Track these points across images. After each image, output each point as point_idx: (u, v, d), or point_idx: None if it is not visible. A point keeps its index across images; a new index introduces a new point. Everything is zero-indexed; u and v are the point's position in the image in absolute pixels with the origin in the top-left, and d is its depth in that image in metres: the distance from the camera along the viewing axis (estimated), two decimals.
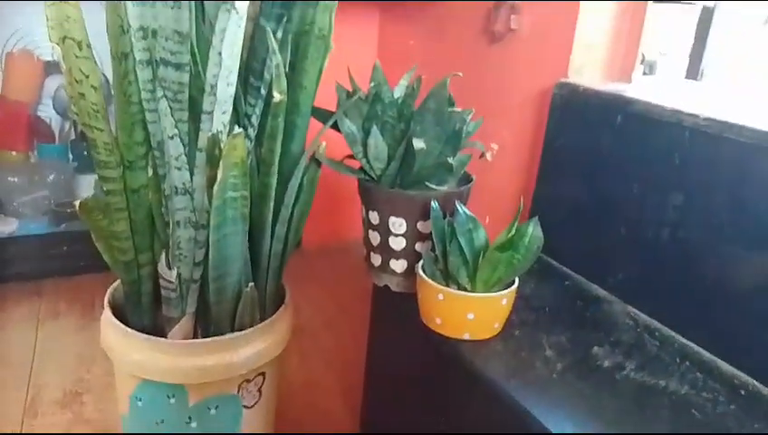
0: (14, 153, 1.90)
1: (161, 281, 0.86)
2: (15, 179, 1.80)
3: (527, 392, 0.76)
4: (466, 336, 0.86)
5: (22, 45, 1.85)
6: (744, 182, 0.84)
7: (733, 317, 0.87)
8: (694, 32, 1.56)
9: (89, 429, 1.15)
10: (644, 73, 1.43)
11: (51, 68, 1.92)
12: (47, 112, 1.96)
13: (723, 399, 0.78)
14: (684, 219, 0.92)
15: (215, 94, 0.76)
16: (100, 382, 1.27)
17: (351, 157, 0.98)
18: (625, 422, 0.72)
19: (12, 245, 1.66)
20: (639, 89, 1.09)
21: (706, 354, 0.88)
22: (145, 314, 0.93)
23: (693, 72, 1.59)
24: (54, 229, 1.75)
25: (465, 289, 0.86)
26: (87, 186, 1.90)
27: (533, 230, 0.83)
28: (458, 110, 0.92)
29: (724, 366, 0.85)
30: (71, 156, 1.98)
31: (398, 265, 0.97)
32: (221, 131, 0.77)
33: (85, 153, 1.98)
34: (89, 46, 0.73)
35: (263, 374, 0.94)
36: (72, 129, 2.00)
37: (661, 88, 1.15)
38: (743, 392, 0.80)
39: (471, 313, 0.85)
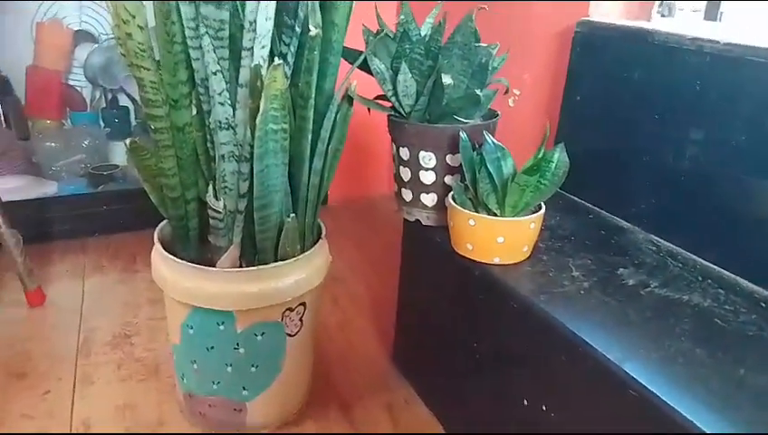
0: (48, 121, 1.96)
1: (210, 212, 0.91)
2: (52, 145, 1.87)
3: (556, 305, 0.81)
4: (497, 260, 0.91)
5: (51, 15, 1.91)
6: (764, 104, 0.86)
7: (753, 239, 0.90)
8: None
9: (138, 365, 1.22)
10: (662, 15, 1.44)
11: (80, 37, 1.97)
12: (78, 81, 2.02)
13: (744, 310, 0.82)
14: (705, 147, 0.95)
15: (254, 30, 0.80)
16: (146, 326, 1.34)
17: (381, 97, 1.02)
18: (650, 329, 0.76)
19: (53, 205, 1.73)
20: (659, 24, 1.11)
21: (727, 274, 0.91)
22: (192, 249, 0.99)
23: (712, 14, 1.59)
24: (92, 191, 1.82)
25: (495, 214, 0.90)
26: (119, 151, 1.97)
27: (560, 155, 0.87)
28: (484, 44, 0.95)
29: (745, 283, 0.89)
30: (102, 123, 2.04)
31: (429, 199, 1.02)
32: (261, 65, 0.81)
33: (115, 120, 2.04)
34: None
35: (303, 304, 0.99)
36: (103, 97, 2.06)
37: (680, 25, 1.16)
38: (763, 305, 0.83)
39: (501, 236, 0.89)
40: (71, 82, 2.01)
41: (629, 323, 0.78)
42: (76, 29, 1.95)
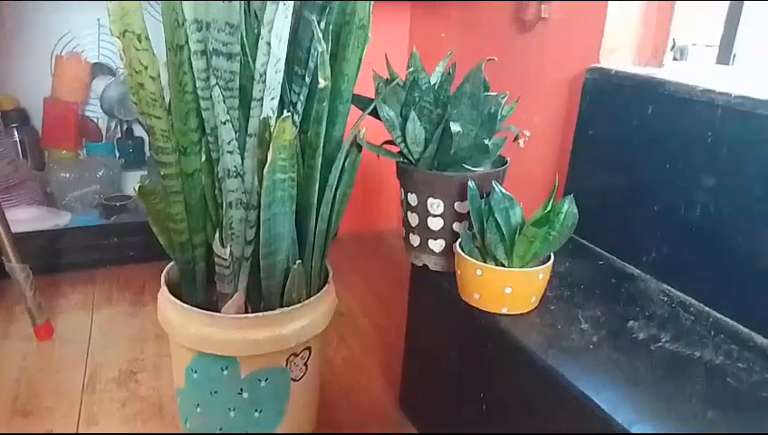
0: (64, 152, 1.99)
1: (216, 259, 0.91)
2: (67, 175, 1.89)
3: (564, 361, 0.79)
4: (504, 310, 0.90)
5: (70, 48, 1.94)
6: None
7: (767, 291, 0.89)
8: (724, 18, 1.57)
9: (143, 404, 1.21)
10: (674, 59, 1.44)
11: (97, 69, 2.00)
12: (95, 112, 2.05)
13: (758, 368, 0.80)
14: (716, 197, 0.94)
15: (264, 81, 0.81)
16: (152, 362, 1.34)
17: (390, 142, 1.02)
18: (660, 389, 0.75)
19: (66, 236, 1.74)
20: (671, 72, 1.11)
21: (741, 328, 0.90)
22: (198, 292, 0.99)
23: (724, 57, 1.59)
24: (105, 222, 1.84)
25: (503, 265, 0.89)
26: (133, 181, 1.99)
27: (569, 207, 0.86)
28: (493, 93, 0.96)
29: (759, 338, 0.87)
30: (117, 153, 2.07)
31: (437, 245, 1.01)
32: (270, 116, 0.82)
33: (130, 151, 2.07)
34: (147, 39, 0.78)
35: (309, 349, 0.99)
36: (118, 128, 2.09)
37: (692, 71, 1.16)
38: None
39: (509, 287, 0.88)
40: (87, 114, 2.05)
41: (639, 381, 0.76)
42: (94, 62, 1.99)
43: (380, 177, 2.01)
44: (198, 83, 0.82)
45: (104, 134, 2.08)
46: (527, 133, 1.37)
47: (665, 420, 0.69)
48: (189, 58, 0.81)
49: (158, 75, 0.82)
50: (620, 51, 1.20)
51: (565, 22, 1.28)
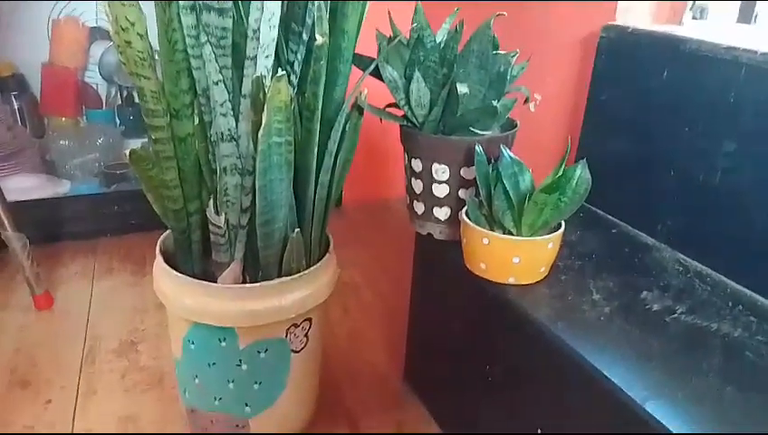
0: (63, 119, 1.95)
1: (210, 227, 0.88)
2: (66, 143, 1.86)
3: (574, 334, 0.76)
4: (512, 281, 0.86)
5: (67, 12, 1.89)
6: None
7: None
8: None
9: (143, 375, 1.19)
10: (694, 18, 1.38)
11: (96, 34, 1.95)
12: (94, 78, 2.00)
13: None
14: (738, 162, 0.89)
15: (257, 39, 0.76)
16: (153, 332, 1.32)
17: (393, 105, 0.97)
18: (675, 364, 0.71)
19: (66, 205, 1.72)
20: (691, 30, 1.05)
21: (760, 299, 0.86)
22: (195, 262, 0.96)
23: (745, 16, 1.52)
24: (105, 190, 1.81)
25: (511, 233, 0.85)
26: None
27: (581, 172, 0.81)
28: (503, 52, 0.90)
29: None
30: (117, 121, 2.03)
31: (442, 213, 0.97)
32: (264, 75, 0.77)
33: (131, 118, 2.03)
34: None
35: (309, 320, 0.96)
36: (118, 94, 2.04)
37: (713, 29, 1.10)
38: None
39: (517, 256, 0.84)
40: (86, 80, 2.00)
41: (653, 356, 0.72)
42: (92, 26, 1.94)
43: (386, 141, 1.96)
44: (188, 41, 0.78)
45: (104, 101, 2.04)
46: (538, 97, 1.32)
47: (679, 396, 0.65)
48: (178, 13, 0.76)
49: (146, 33, 0.77)
50: (638, 8, 1.13)
51: None
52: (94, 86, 2.01)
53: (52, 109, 1.93)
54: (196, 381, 0.97)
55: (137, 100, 2.04)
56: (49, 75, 1.91)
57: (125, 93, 2.03)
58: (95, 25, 1.94)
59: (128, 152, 0.83)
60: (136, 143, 1.97)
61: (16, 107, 1.88)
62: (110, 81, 1.99)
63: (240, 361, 0.92)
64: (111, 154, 1.91)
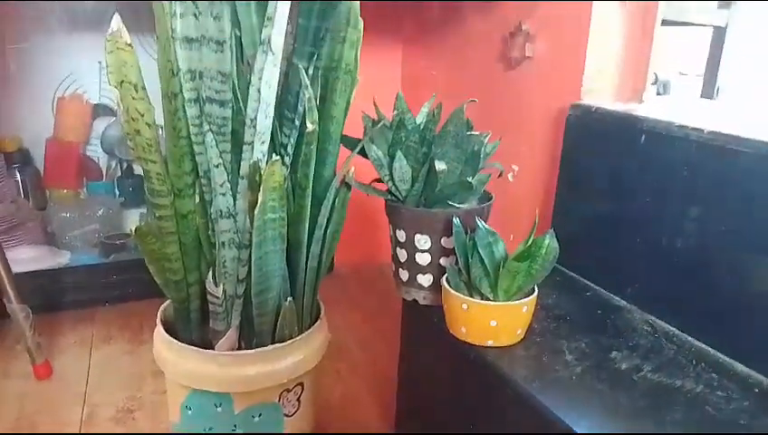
0: (65, 191, 2.03)
1: (209, 297, 0.94)
2: (67, 215, 1.93)
3: (548, 393, 0.81)
4: (490, 343, 0.92)
5: (72, 90, 2.00)
6: (750, 190, 0.89)
7: (747, 320, 0.91)
8: (707, 52, 1.61)
9: None
10: (658, 93, 1.49)
11: (99, 110, 2.05)
12: (95, 151, 2.09)
13: (736, 396, 0.82)
14: (696, 228, 0.97)
15: (254, 126, 0.85)
16: (150, 400, 1.36)
17: (378, 180, 1.06)
18: (639, 418, 0.77)
19: (65, 275, 1.77)
20: (650, 108, 1.15)
21: (722, 357, 0.92)
22: (193, 330, 1.01)
23: (708, 91, 1.63)
24: (104, 260, 1.87)
25: (488, 298, 0.92)
26: (133, 219, 2.02)
27: (549, 241, 0.89)
28: (476, 133, 1.00)
29: (739, 367, 0.89)
30: (117, 192, 2.11)
31: (425, 280, 1.04)
32: (260, 159, 0.86)
33: (130, 189, 2.11)
34: (143, 88, 0.83)
35: (301, 384, 1.01)
36: (118, 167, 2.13)
37: (672, 107, 1.20)
38: (756, 390, 0.83)
39: (494, 320, 0.91)
40: (88, 153, 2.09)
41: (619, 412, 0.78)
42: (95, 103, 2.04)
43: (379, 211, 2.04)
44: (192, 129, 0.86)
45: (105, 173, 2.12)
46: (515, 168, 1.41)
47: None
48: (183, 105, 0.85)
49: (154, 122, 0.86)
50: (601, 88, 1.24)
51: (548, 60, 1.33)
52: (95, 159, 2.10)
53: (55, 182, 2.01)
54: None
55: (136, 172, 2.13)
56: (53, 149, 1.99)
57: (125, 166, 2.12)
58: (98, 102, 2.05)
59: (133, 229, 0.90)
60: (135, 213, 2.04)
61: (20, 180, 1.95)
62: (111, 154, 2.07)
63: (235, 426, 0.97)
64: (111, 225, 1.98)
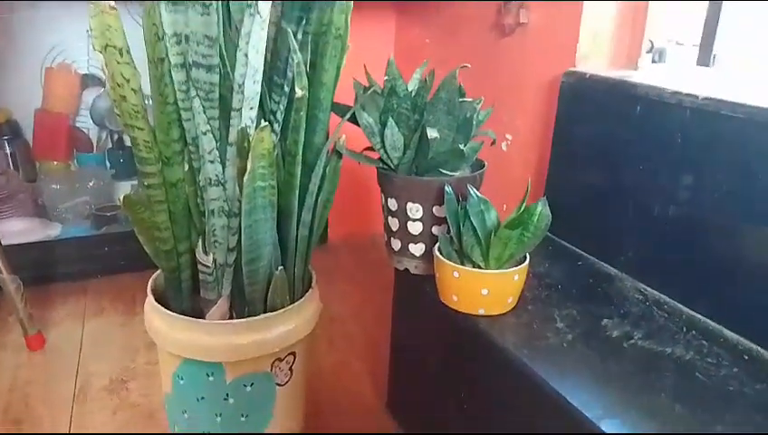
0: (55, 163, 2.01)
1: (199, 266, 0.93)
2: (58, 187, 1.91)
3: (539, 360, 0.82)
4: (481, 311, 0.92)
5: (60, 60, 1.96)
6: (743, 157, 0.88)
7: (737, 287, 0.91)
8: (704, 18, 1.59)
9: (134, 412, 1.23)
10: (653, 61, 1.46)
11: (88, 80, 2.02)
12: (85, 123, 2.07)
13: (726, 363, 0.82)
14: (688, 196, 0.97)
15: (242, 92, 0.83)
16: (143, 371, 1.36)
17: (370, 148, 1.04)
18: (630, 385, 0.77)
19: (57, 247, 1.76)
20: (644, 75, 1.14)
21: (712, 324, 0.92)
22: (184, 299, 1.01)
23: (704, 58, 1.61)
24: (95, 232, 1.86)
25: (480, 267, 0.92)
26: (124, 191, 2.01)
27: (541, 209, 0.88)
28: (469, 99, 0.98)
29: (729, 334, 0.89)
30: (108, 164, 2.09)
31: (417, 249, 1.03)
32: (249, 126, 0.84)
33: (121, 161, 2.09)
34: (128, 52, 0.81)
35: (293, 353, 1.01)
36: (109, 138, 2.10)
37: (667, 74, 1.19)
38: (746, 357, 0.84)
39: (485, 289, 0.90)
40: (78, 125, 2.06)
41: (610, 378, 0.78)
42: (84, 73, 2.01)
43: (372, 180, 2.03)
44: (179, 95, 0.85)
45: (95, 144, 2.10)
46: (509, 137, 1.40)
47: (633, 414, 0.71)
48: (170, 70, 0.83)
49: (140, 88, 0.84)
50: (596, 54, 1.23)
51: (543, 26, 1.31)
52: (85, 131, 2.08)
53: (45, 153, 1.99)
54: (186, 415, 1.01)
55: (127, 143, 2.11)
56: (42, 121, 1.97)
57: (115, 137, 2.09)
58: (87, 72, 2.02)
59: (122, 198, 0.89)
60: (126, 185, 2.03)
61: (9, 152, 1.93)
62: (101, 125, 2.05)
63: (227, 395, 0.97)
64: (102, 197, 1.97)
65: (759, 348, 0.85)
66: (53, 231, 1.82)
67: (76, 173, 2.01)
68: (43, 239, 1.77)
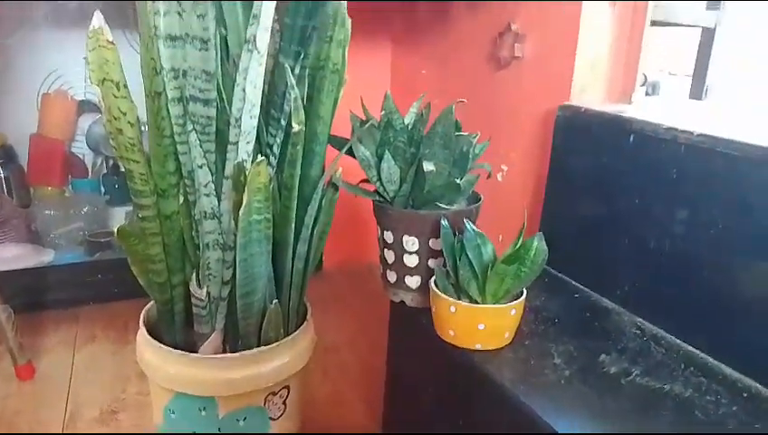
0: (50, 188, 2.00)
1: (193, 299, 0.93)
2: (52, 212, 1.90)
3: (535, 397, 0.81)
4: (478, 346, 0.91)
5: (57, 86, 1.97)
6: (739, 193, 0.88)
7: (736, 323, 0.91)
8: (696, 52, 1.61)
9: None
10: (647, 94, 1.48)
11: (84, 107, 2.02)
12: (81, 148, 2.06)
13: (725, 401, 0.81)
14: (684, 230, 0.97)
15: (239, 126, 0.83)
16: (134, 401, 1.34)
17: (366, 181, 1.04)
18: (627, 423, 0.76)
19: (49, 274, 1.75)
20: (639, 109, 1.15)
21: (710, 360, 0.91)
22: (177, 332, 1.00)
23: (696, 91, 1.63)
24: (89, 259, 1.85)
25: (476, 301, 0.91)
26: (118, 217, 2.00)
27: (538, 244, 0.88)
28: (465, 133, 0.99)
29: (728, 371, 0.89)
30: (102, 189, 2.08)
31: (413, 282, 1.03)
32: (245, 160, 0.84)
33: (116, 187, 2.08)
34: (125, 86, 0.81)
35: (287, 387, 0.99)
36: (104, 164, 2.10)
37: (661, 108, 1.20)
38: (745, 395, 0.83)
39: (482, 323, 0.90)
40: (73, 150, 2.06)
41: (607, 416, 0.77)
42: (80, 99, 2.01)
43: (368, 210, 2.03)
44: (176, 128, 0.85)
45: (90, 170, 2.09)
46: (504, 168, 1.41)
47: None
48: (167, 104, 0.84)
49: (137, 121, 0.84)
50: (591, 88, 1.24)
51: (538, 60, 1.32)
52: (81, 156, 2.07)
53: (40, 179, 1.98)
54: None
55: (122, 169, 2.10)
56: (37, 146, 1.96)
57: (110, 163, 2.09)
58: (83, 99, 2.02)
59: (116, 229, 0.89)
60: (120, 211, 2.02)
61: (3, 177, 1.92)
62: (97, 151, 2.05)
63: (219, 429, 0.95)
64: (96, 223, 1.96)
65: (758, 385, 0.85)
66: (46, 257, 1.81)
67: (70, 199, 2.00)
68: (36, 266, 1.76)
